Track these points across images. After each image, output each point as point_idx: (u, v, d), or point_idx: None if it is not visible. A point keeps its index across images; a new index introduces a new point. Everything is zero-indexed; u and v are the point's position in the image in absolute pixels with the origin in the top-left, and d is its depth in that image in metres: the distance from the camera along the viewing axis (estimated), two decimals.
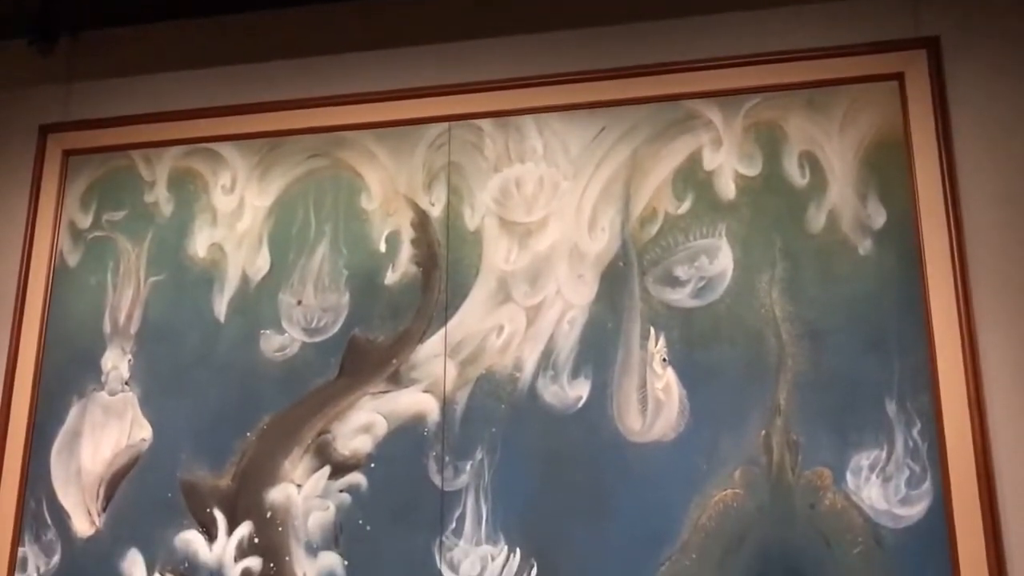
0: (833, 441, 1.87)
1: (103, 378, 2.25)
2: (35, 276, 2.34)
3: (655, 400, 1.96)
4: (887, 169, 1.97)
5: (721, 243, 2.01)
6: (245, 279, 2.23)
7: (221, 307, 2.23)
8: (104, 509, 2.17)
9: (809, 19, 2.10)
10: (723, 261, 2.00)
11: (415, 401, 2.08)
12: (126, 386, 2.23)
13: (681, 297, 2.00)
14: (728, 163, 2.05)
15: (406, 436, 2.06)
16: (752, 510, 1.87)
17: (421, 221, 2.17)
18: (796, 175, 2.01)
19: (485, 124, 2.19)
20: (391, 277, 2.16)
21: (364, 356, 2.13)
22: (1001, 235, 1.91)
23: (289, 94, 2.32)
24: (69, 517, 2.19)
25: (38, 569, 2.16)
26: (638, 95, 2.11)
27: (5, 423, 2.25)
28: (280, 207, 2.26)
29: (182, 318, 2.24)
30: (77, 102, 2.47)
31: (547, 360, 2.03)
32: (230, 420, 2.15)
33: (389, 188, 2.21)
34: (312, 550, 2.04)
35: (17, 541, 2.18)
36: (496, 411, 2.03)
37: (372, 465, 2.06)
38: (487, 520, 1.97)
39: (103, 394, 2.24)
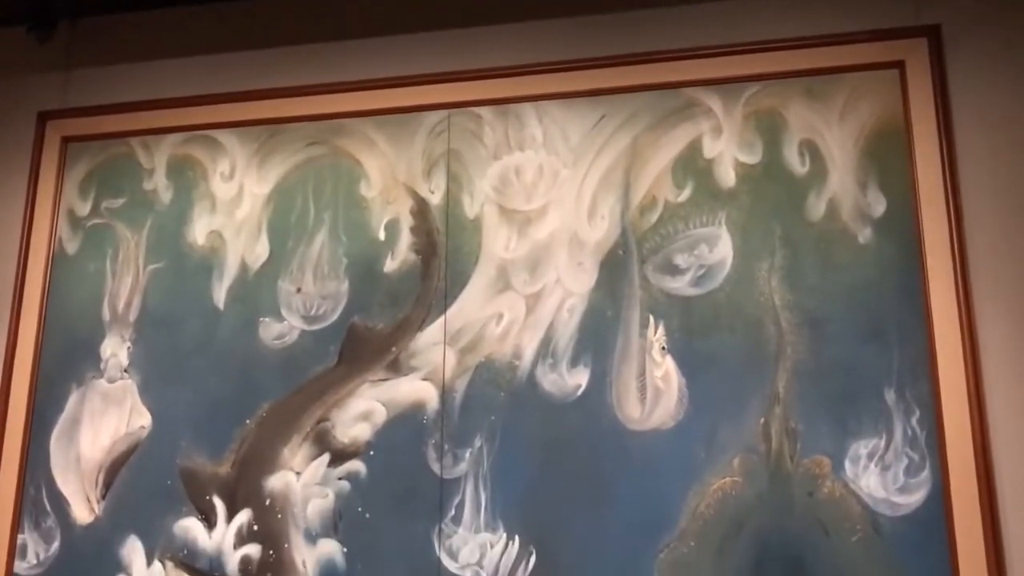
0: (832, 429, 1.87)
1: (102, 365, 2.25)
2: (34, 264, 2.34)
3: (654, 388, 1.96)
4: (887, 158, 1.97)
5: (721, 231, 2.01)
6: (244, 267, 2.23)
7: (220, 295, 2.22)
8: (103, 496, 2.17)
9: (810, 7, 2.09)
10: (723, 249, 2.00)
11: (414, 389, 2.08)
12: (125, 373, 2.23)
13: (681, 285, 2.00)
14: (728, 151, 2.04)
15: (405, 424, 2.06)
16: (751, 498, 1.87)
17: (420, 209, 2.17)
18: (796, 163, 2.01)
19: (485, 112, 2.18)
20: (390, 265, 2.16)
21: (363, 344, 2.13)
22: (1001, 224, 1.91)
23: (288, 81, 2.31)
24: (68, 504, 2.19)
25: (37, 556, 2.17)
26: (638, 83, 2.11)
27: (4, 410, 2.26)
28: (279, 194, 2.26)
29: (181, 306, 2.24)
30: (76, 89, 2.46)
31: (546, 348, 2.03)
32: (229, 408, 2.15)
33: (388, 176, 2.20)
34: (311, 537, 2.04)
35: (16, 528, 2.19)
36: (495, 399, 2.03)
37: (371, 453, 2.06)
38: (486, 507, 1.97)
39: (102, 381, 2.24)
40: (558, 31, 2.20)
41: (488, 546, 1.95)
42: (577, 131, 2.12)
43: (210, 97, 2.35)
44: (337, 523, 2.04)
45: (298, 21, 2.36)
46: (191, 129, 2.34)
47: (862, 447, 1.85)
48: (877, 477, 1.83)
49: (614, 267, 2.04)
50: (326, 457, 2.08)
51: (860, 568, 1.80)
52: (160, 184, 2.34)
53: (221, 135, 2.33)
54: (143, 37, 2.46)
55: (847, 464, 1.85)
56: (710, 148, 2.05)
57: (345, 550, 2.02)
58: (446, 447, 2.02)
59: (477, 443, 2.01)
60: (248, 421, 2.14)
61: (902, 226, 1.93)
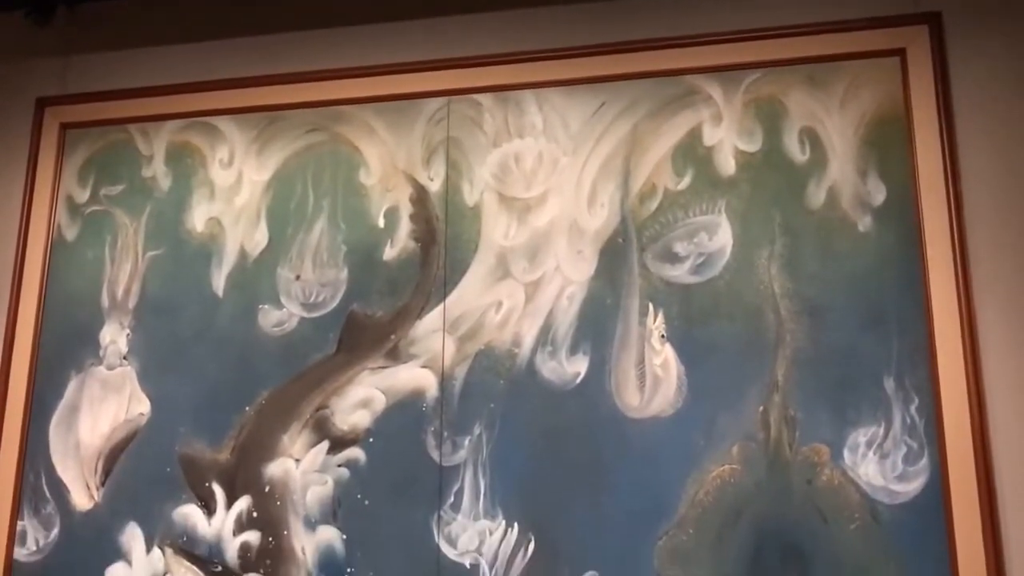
0: (831, 418, 1.87)
1: (101, 352, 2.25)
2: (33, 250, 2.34)
3: (653, 376, 1.97)
4: (887, 145, 1.97)
5: (720, 219, 2.00)
6: (243, 254, 2.23)
7: (219, 282, 2.22)
8: (103, 483, 2.18)
9: None
10: (722, 237, 2.00)
11: (414, 376, 2.08)
12: (124, 360, 2.23)
13: (680, 273, 2.00)
14: (728, 139, 2.04)
15: (405, 411, 2.06)
16: (749, 486, 1.87)
17: (420, 196, 2.17)
18: (796, 151, 2.00)
19: (484, 99, 2.18)
20: (389, 252, 2.15)
21: (362, 331, 2.13)
22: (1001, 212, 1.91)
23: (287, 68, 2.31)
24: (68, 491, 2.19)
25: (37, 542, 2.17)
26: (638, 70, 2.10)
27: (3, 397, 2.26)
28: (278, 182, 2.25)
29: (180, 293, 2.24)
30: (74, 75, 2.46)
31: (546, 336, 2.03)
32: (228, 395, 2.15)
33: (388, 163, 2.20)
34: (311, 524, 2.05)
35: (16, 514, 2.19)
36: (495, 387, 2.03)
37: (371, 440, 2.06)
38: (485, 495, 1.98)
39: (101, 368, 2.24)
40: (558, 18, 2.20)
41: (487, 533, 1.96)
42: (577, 118, 2.12)
43: (209, 84, 2.34)
44: (336, 510, 2.04)
45: (297, 7, 2.35)
46: (190, 116, 2.34)
47: (861, 435, 1.85)
48: (876, 465, 1.83)
49: (614, 255, 2.04)
50: (325, 444, 2.08)
51: (858, 556, 1.80)
52: (159, 171, 2.33)
53: (220, 122, 2.32)
54: (142, 23, 2.45)
55: (846, 452, 1.85)
56: (710, 136, 2.05)
57: (344, 537, 2.03)
58: (445, 434, 2.02)
59: (476, 430, 2.01)
60: (247, 408, 2.14)
61: (902, 214, 1.93)
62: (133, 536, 2.13)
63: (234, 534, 2.08)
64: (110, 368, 2.24)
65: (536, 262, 2.07)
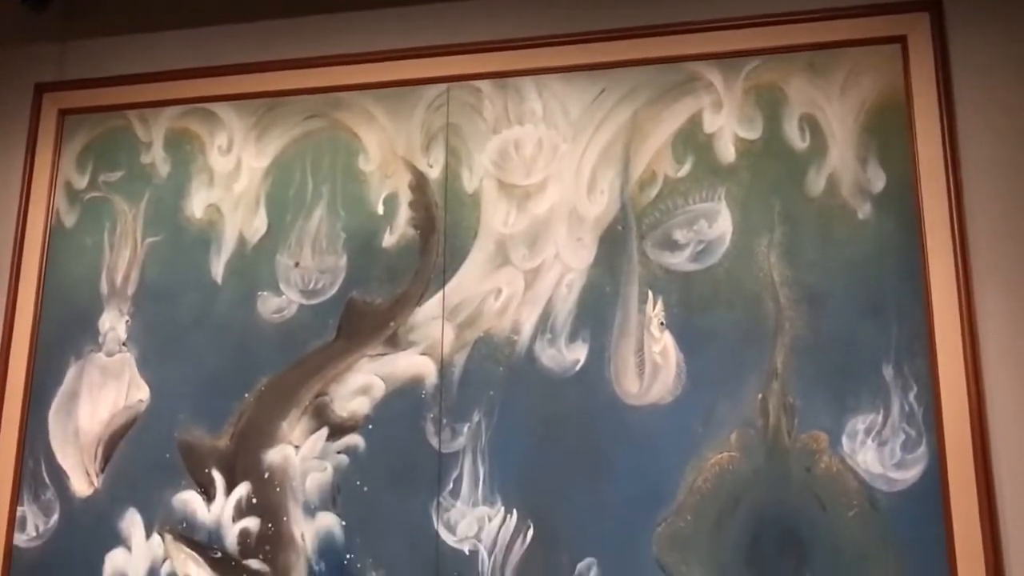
0: (830, 405, 1.87)
1: (100, 339, 2.25)
2: (31, 237, 2.33)
3: (652, 363, 1.97)
4: (888, 133, 1.96)
5: (720, 207, 2.00)
6: (242, 240, 2.23)
7: (218, 268, 2.22)
8: (102, 469, 2.18)
9: None
10: (722, 225, 1.99)
11: (413, 363, 2.08)
12: (123, 347, 2.23)
13: (680, 261, 2.00)
14: (728, 126, 2.03)
15: (404, 398, 2.06)
16: (748, 473, 1.87)
17: (419, 183, 2.16)
18: (796, 138, 2.00)
19: (484, 85, 2.17)
20: (389, 239, 2.15)
21: (362, 318, 2.13)
22: (1001, 199, 1.91)
23: (287, 54, 2.30)
24: (67, 477, 2.19)
25: (37, 528, 2.17)
26: (639, 56, 2.10)
27: (3, 384, 2.26)
28: (277, 168, 2.25)
29: (179, 279, 2.24)
30: (73, 61, 2.45)
31: (545, 323, 2.03)
32: (228, 381, 2.15)
33: (387, 150, 2.20)
34: (310, 510, 2.05)
35: (16, 500, 2.19)
36: (494, 374, 2.03)
37: (370, 427, 2.06)
38: (484, 481, 1.98)
39: (100, 355, 2.24)
40: (558, 4, 2.19)
41: (486, 520, 1.96)
42: (577, 105, 2.11)
43: (208, 70, 2.34)
44: (336, 496, 2.05)
45: None
46: (189, 102, 2.33)
47: (859, 422, 1.85)
48: (874, 452, 1.84)
49: (613, 242, 2.04)
50: (324, 431, 2.08)
51: (856, 542, 1.80)
52: (158, 157, 2.33)
53: (219, 108, 2.32)
54: (140, 9, 2.44)
55: (844, 439, 1.85)
56: (710, 123, 2.04)
57: (344, 523, 2.03)
58: (444, 421, 2.03)
59: (475, 417, 2.01)
60: (247, 395, 2.14)
61: (902, 202, 1.92)
62: (133, 522, 2.13)
63: (233, 520, 2.09)
64: (109, 355, 2.24)
65: (535, 249, 2.07)
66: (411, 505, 2.00)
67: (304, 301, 2.17)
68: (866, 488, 1.82)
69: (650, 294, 2.00)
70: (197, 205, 2.27)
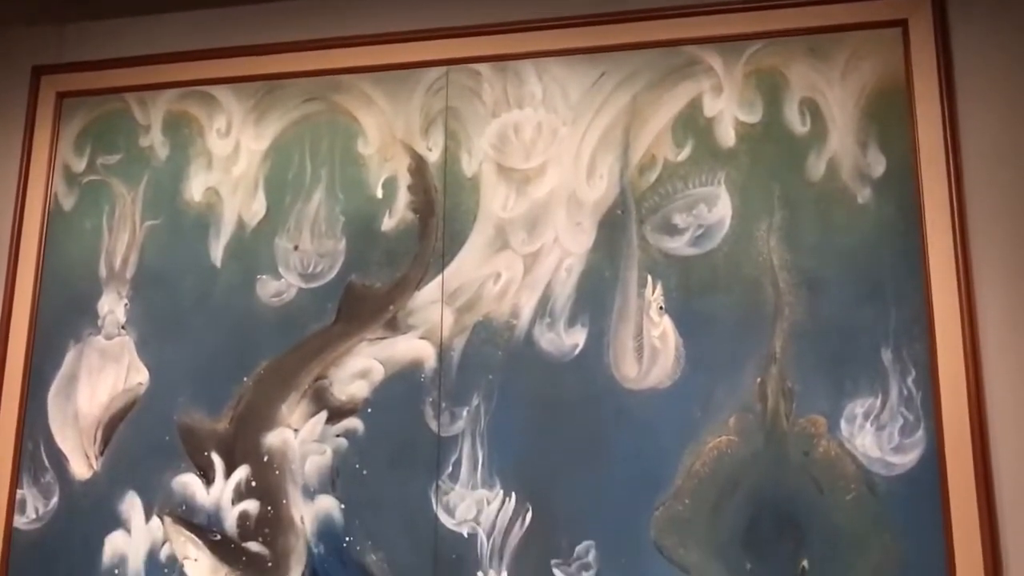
0: (828, 389, 1.87)
1: (99, 322, 2.25)
2: (30, 220, 2.33)
3: (651, 348, 1.97)
4: (888, 117, 1.96)
5: (720, 191, 2.00)
6: (241, 224, 2.22)
7: (217, 252, 2.22)
8: (102, 452, 2.18)
9: None
10: (722, 209, 1.99)
11: (412, 347, 2.08)
12: (122, 330, 2.23)
13: (679, 245, 2.00)
14: (728, 110, 2.03)
15: (403, 382, 2.06)
16: (746, 457, 1.88)
17: (418, 167, 2.16)
18: (796, 122, 1.99)
19: (483, 68, 2.16)
20: (388, 223, 2.15)
21: (361, 302, 2.13)
22: (1001, 184, 1.90)
23: (285, 37, 2.29)
24: (67, 460, 2.20)
25: (36, 511, 2.18)
26: (639, 40, 2.09)
27: (2, 367, 2.26)
28: (276, 151, 2.24)
29: (178, 263, 2.23)
30: (71, 43, 2.44)
31: (544, 308, 2.03)
32: (227, 365, 2.15)
33: (386, 133, 2.19)
34: (309, 493, 2.06)
35: (15, 483, 2.20)
36: (493, 358, 2.03)
37: (369, 410, 2.07)
38: (483, 465, 1.98)
39: (99, 338, 2.24)
40: None
41: (485, 503, 1.97)
42: (577, 88, 2.11)
43: (206, 52, 2.32)
44: (335, 479, 2.05)
45: None
46: (187, 85, 2.32)
47: (858, 407, 1.85)
48: (872, 437, 1.84)
49: (612, 227, 2.03)
50: (324, 414, 2.09)
51: (854, 526, 1.81)
52: (156, 140, 2.32)
53: (217, 91, 2.31)
54: None
55: (843, 424, 1.85)
56: (710, 107, 2.04)
57: (343, 506, 2.03)
58: (443, 405, 2.03)
59: (474, 401, 2.02)
60: (246, 378, 2.14)
61: (902, 186, 1.92)
62: (132, 505, 2.14)
63: (233, 503, 2.09)
64: (108, 338, 2.24)
65: (535, 233, 2.07)
66: (410, 488, 2.00)
67: (303, 285, 2.16)
68: (864, 472, 1.83)
69: (649, 278, 2.00)
70: (196, 188, 2.27)
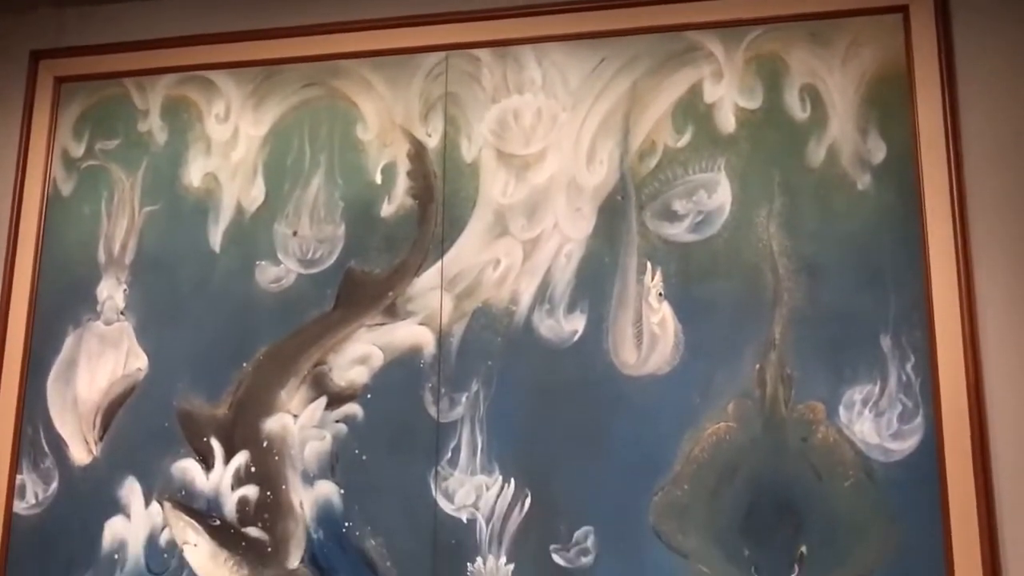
0: (827, 375, 1.88)
1: (98, 308, 2.25)
2: (29, 205, 2.33)
3: (650, 334, 1.97)
4: (888, 103, 1.96)
5: (720, 177, 2.00)
6: (240, 209, 2.22)
7: (216, 237, 2.21)
8: (101, 438, 2.18)
9: None
10: (722, 195, 1.99)
11: (411, 333, 2.08)
12: (121, 316, 2.23)
13: (679, 231, 2.00)
14: (729, 96, 2.02)
15: (402, 368, 2.06)
16: (745, 443, 1.88)
17: (418, 152, 2.15)
18: (797, 108, 1.99)
19: (483, 54, 2.16)
20: (387, 209, 2.15)
21: (360, 288, 2.13)
22: (1001, 171, 1.90)
23: (284, 21, 2.28)
24: (66, 445, 2.20)
25: (36, 496, 2.18)
26: (639, 25, 2.08)
27: (1, 352, 2.26)
28: (275, 137, 2.24)
29: (177, 248, 2.23)
30: (69, 28, 2.43)
31: (543, 294, 2.03)
32: (226, 350, 2.15)
33: (385, 118, 2.18)
34: (309, 479, 2.06)
35: (15, 468, 2.20)
36: (492, 344, 2.03)
37: (368, 396, 2.07)
38: (482, 451, 1.99)
39: (99, 323, 2.24)
40: None
41: (484, 488, 1.97)
42: (577, 74, 2.10)
43: (205, 37, 2.32)
44: (334, 465, 2.05)
45: None
46: (186, 70, 2.31)
47: (856, 393, 1.86)
48: (871, 423, 1.84)
49: (612, 213, 2.03)
50: (323, 400, 2.09)
51: (852, 512, 1.81)
52: (155, 125, 2.31)
53: (216, 76, 2.30)
54: None
55: (841, 410, 1.86)
56: (710, 93, 2.03)
57: (342, 491, 2.04)
58: (443, 391, 2.03)
59: (474, 387, 2.02)
60: (245, 364, 2.14)
61: (902, 173, 1.92)
62: (132, 490, 2.14)
63: (232, 488, 2.10)
64: (107, 323, 2.23)
65: (534, 220, 2.07)
66: (409, 474, 2.01)
67: (302, 271, 2.16)
68: (862, 458, 1.83)
69: (649, 265, 1.99)
70: (195, 174, 2.26)
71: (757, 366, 1.90)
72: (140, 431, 2.16)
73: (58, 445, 2.20)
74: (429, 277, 2.09)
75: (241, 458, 2.10)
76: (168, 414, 2.15)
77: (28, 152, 2.35)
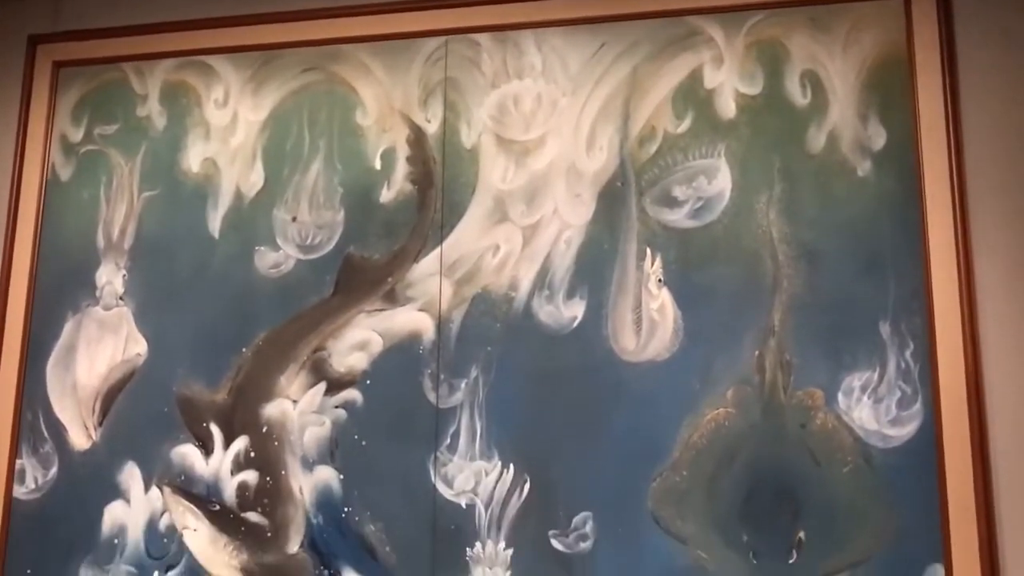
0: (826, 362, 1.88)
1: (97, 293, 2.25)
2: (27, 190, 2.32)
3: (650, 320, 1.97)
4: (889, 90, 1.95)
5: (720, 163, 1.99)
6: (239, 195, 2.21)
7: (215, 223, 2.21)
8: (100, 423, 2.18)
9: None
10: (721, 181, 1.98)
11: (411, 319, 2.08)
12: (121, 301, 2.23)
13: (678, 218, 1.99)
14: (729, 81, 2.02)
15: (401, 354, 2.06)
16: (744, 429, 1.88)
17: (417, 138, 2.15)
18: (797, 94, 1.98)
19: (483, 39, 2.15)
20: (386, 195, 2.14)
21: (359, 274, 2.12)
22: (1001, 158, 1.90)
23: (283, 6, 2.27)
24: (66, 430, 2.20)
25: (36, 481, 2.19)
26: (639, 10, 2.07)
27: (0, 338, 2.26)
28: (274, 122, 2.23)
29: (176, 233, 2.23)
30: (67, 12, 2.42)
31: (543, 280, 2.03)
32: (225, 336, 2.15)
33: (384, 104, 2.18)
34: (308, 464, 2.06)
35: (15, 453, 2.20)
36: (491, 330, 2.03)
37: (367, 382, 2.07)
38: (481, 436, 1.99)
39: (98, 309, 2.24)
40: None
41: (483, 474, 1.97)
42: (576, 60, 2.09)
43: (204, 22, 2.31)
44: (334, 450, 2.06)
45: None
46: (185, 54, 2.31)
47: (855, 379, 1.86)
48: (869, 409, 1.84)
49: (612, 199, 2.03)
50: (322, 386, 2.09)
51: (850, 498, 1.82)
52: (154, 110, 2.31)
53: (215, 61, 2.29)
54: None
55: (840, 396, 1.86)
56: (711, 78, 2.03)
57: (342, 477, 2.04)
58: (442, 377, 2.03)
59: (473, 373, 2.02)
60: (244, 349, 2.14)
61: (902, 159, 1.92)
62: (131, 475, 2.15)
63: (232, 473, 2.10)
64: (107, 309, 2.23)
65: (534, 205, 2.06)
66: (409, 459, 2.01)
67: (301, 256, 2.16)
68: (861, 444, 1.83)
69: (648, 251, 1.99)
70: (193, 159, 2.26)
71: (756, 352, 1.90)
72: (139, 416, 2.17)
73: (58, 430, 2.20)
74: (428, 263, 2.09)
75: (240, 443, 2.11)
76: (167, 399, 2.16)
77: (27, 137, 2.35)
